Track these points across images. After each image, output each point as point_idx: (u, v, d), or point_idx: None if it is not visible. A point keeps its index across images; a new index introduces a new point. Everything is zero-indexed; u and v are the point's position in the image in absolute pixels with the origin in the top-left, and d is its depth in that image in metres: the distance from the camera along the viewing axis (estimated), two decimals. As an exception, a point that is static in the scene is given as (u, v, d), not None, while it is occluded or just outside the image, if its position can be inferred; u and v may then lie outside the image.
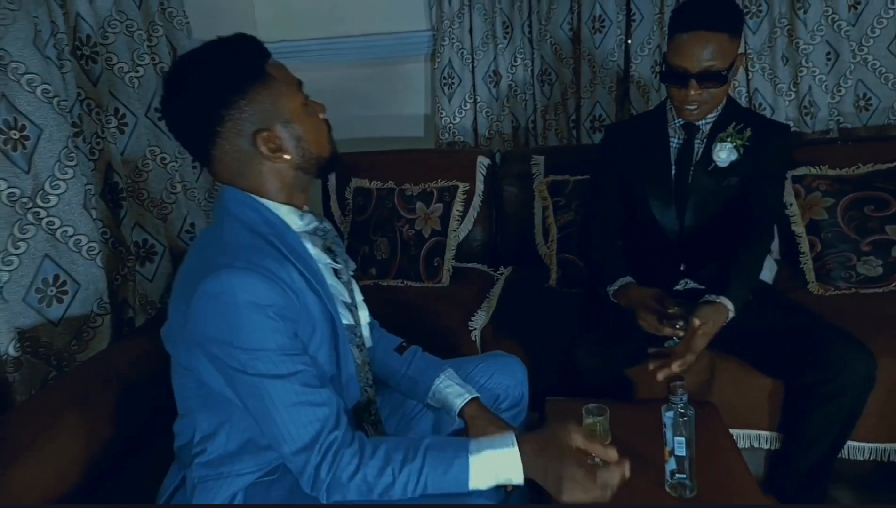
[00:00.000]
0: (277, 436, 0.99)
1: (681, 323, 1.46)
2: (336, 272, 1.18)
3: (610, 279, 1.67)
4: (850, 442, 1.62)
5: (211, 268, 0.97)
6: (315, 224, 1.14)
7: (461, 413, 1.25)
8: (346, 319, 1.17)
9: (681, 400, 1.08)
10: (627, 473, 0.99)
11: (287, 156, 1.06)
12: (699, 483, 1.13)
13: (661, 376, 1.39)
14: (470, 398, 1.26)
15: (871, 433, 1.62)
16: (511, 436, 1.02)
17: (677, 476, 1.12)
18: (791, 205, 2.06)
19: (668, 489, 1.14)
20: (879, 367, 1.51)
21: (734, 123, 1.64)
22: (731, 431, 1.65)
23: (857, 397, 1.47)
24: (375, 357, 1.35)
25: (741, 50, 1.75)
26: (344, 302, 1.17)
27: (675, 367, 1.37)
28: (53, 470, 1.17)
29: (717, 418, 1.38)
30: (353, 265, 1.27)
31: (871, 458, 1.65)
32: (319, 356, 1.08)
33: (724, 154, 1.63)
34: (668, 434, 1.10)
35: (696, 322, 1.41)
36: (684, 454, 1.09)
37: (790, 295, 1.85)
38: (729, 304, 1.48)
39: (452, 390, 1.28)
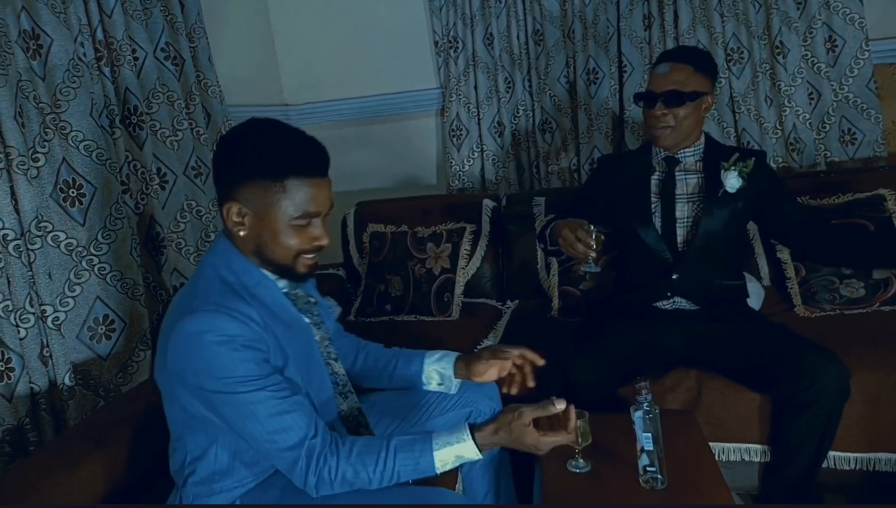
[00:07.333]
0: (262, 445, 1.12)
1: (592, 243, 1.57)
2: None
3: (547, 226, 1.88)
4: (835, 453, 1.69)
5: (186, 312, 1.12)
6: (287, 289, 1.29)
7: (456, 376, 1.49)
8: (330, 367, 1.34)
9: (645, 399, 1.21)
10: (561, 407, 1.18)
11: (242, 233, 1.18)
12: (672, 480, 1.24)
13: None
14: (454, 359, 1.49)
15: (855, 443, 1.69)
16: (465, 429, 1.20)
17: (649, 470, 1.24)
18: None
19: (641, 482, 1.25)
20: (857, 378, 1.60)
21: (736, 154, 1.82)
22: (722, 445, 1.77)
23: (833, 405, 1.56)
24: (366, 370, 1.54)
25: (716, 92, 1.94)
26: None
27: None
28: (106, 474, 1.35)
29: (694, 425, 1.48)
30: (331, 322, 1.45)
31: (857, 468, 1.71)
32: (296, 379, 1.21)
33: (733, 181, 1.79)
34: (638, 431, 1.23)
35: None
36: (652, 448, 1.21)
37: (778, 318, 1.97)
38: None
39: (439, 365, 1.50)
